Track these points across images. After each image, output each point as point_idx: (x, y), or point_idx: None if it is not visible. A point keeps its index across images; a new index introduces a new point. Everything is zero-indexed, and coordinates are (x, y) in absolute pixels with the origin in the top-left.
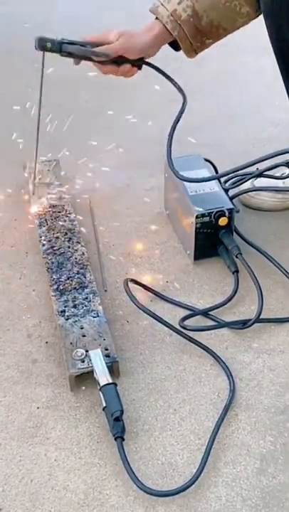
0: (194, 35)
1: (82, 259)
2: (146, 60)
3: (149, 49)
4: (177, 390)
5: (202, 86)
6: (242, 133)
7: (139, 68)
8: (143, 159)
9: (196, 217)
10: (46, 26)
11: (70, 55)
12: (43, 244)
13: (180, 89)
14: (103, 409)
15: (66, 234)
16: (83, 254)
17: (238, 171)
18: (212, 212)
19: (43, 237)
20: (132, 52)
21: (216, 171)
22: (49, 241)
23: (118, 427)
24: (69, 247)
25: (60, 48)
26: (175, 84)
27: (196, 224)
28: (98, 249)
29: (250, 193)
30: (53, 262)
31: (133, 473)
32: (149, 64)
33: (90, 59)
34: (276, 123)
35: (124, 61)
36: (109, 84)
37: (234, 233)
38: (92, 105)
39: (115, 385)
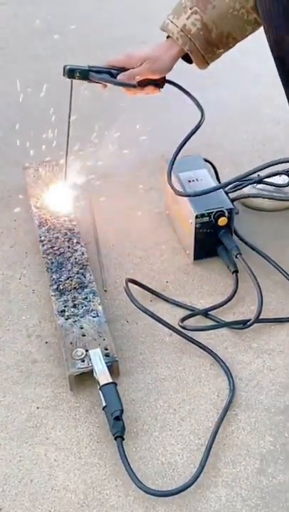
0: (205, 48)
1: (81, 259)
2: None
3: (170, 69)
4: (177, 389)
5: (202, 85)
6: (242, 132)
7: (162, 87)
8: (143, 159)
9: (196, 217)
10: (46, 26)
11: (97, 82)
12: (43, 245)
13: (199, 106)
14: (103, 409)
15: (66, 234)
16: (83, 254)
17: (241, 179)
18: (212, 212)
19: (42, 237)
20: (158, 75)
21: (216, 171)
22: (49, 241)
23: (118, 426)
24: (69, 247)
25: (87, 76)
26: (195, 100)
27: (196, 224)
28: (98, 249)
29: (249, 192)
30: (52, 262)
31: (133, 473)
32: (171, 82)
33: (115, 83)
34: (276, 122)
35: (148, 83)
36: (109, 85)
37: (233, 233)
38: (93, 105)
39: (115, 384)
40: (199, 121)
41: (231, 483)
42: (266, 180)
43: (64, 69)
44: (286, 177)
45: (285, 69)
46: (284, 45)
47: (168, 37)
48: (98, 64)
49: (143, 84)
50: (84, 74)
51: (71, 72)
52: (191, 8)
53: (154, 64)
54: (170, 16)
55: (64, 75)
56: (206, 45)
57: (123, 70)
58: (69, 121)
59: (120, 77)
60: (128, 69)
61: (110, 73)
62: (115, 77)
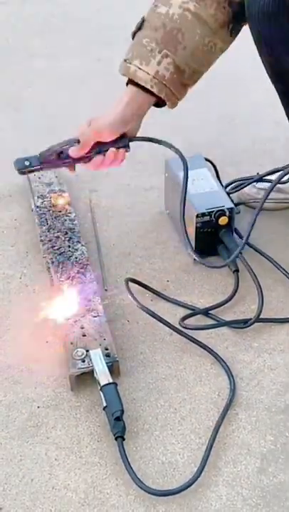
0: (179, 90)
1: (82, 258)
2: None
3: (126, 122)
4: (177, 389)
5: (202, 85)
6: (242, 132)
7: (127, 148)
8: (143, 159)
9: (197, 216)
10: (47, 25)
11: (51, 163)
12: (43, 244)
13: (181, 156)
14: (104, 409)
15: (66, 233)
16: (83, 253)
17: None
18: (212, 211)
19: (43, 237)
20: (105, 132)
21: (216, 171)
22: (49, 240)
23: (119, 426)
24: (69, 247)
25: (38, 159)
26: (175, 150)
27: (197, 223)
28: (98, 248)
29: (250, 192)
30: (53, 262)
31: (134, 473)
32: (135, 139)
33: (73, 160)
34: (277, 122)
35: (107, 147)
36: (109, 85)
37: (234, 233)
38: (93, 105)
39: (115, 384)
40: (185, 173)
41: (232, 482)
42: (266, 178)
43: (15, 165)
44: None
45: (284, 84)
46: (284, 66)
47: (131, 83)
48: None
49: (103, 150)
50: (36, 165)
51: (21, 166)
52: (160, 52)
53: (97, 121)
54: (135, 62)
55: (16, 170)
56: (180, 88)
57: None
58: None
59: (73, 152)
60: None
61: (63, 152)
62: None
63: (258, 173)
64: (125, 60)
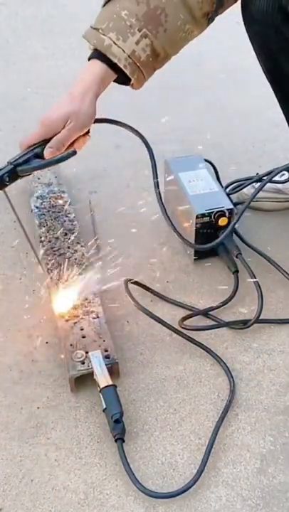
0: (149, 73)
1: (82, 259)
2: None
3: (95, 111)
4: (177, 390)
5: (201, 85)
6: (242, 133)
7: (88, 134)
8: (143, 159)
9: (196, 217)
10: (46, 26)
11: (30, 173)
12: (43, 245)
13: (141, 136)
14: (103, 411)
15: (66, 234)
16: (83, 254)
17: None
18: (212, 212)
19: (42, 238)
20: (87, 126)
21: (216, 172)
22: (49, 241)
23: (118, 428)
24: (69, 248)
25: (17, 174)
26: (135, 132)
27: (196, 224)
28: (98, 249)
29: (248, 193)
30: (53, 263)
31: (133, 475)
32: (99, 120)
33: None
34: (276, 123)
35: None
36: (108, 86)
37: (234, 233)
38: None
39: (115, 386)
40: (150, 154)
41: (232, 483)
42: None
43: None
44: (286, 173)
45: (283, 92)
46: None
47: (98, 58)
48: (16, 152)
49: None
50: (12, 174)
51: (1, 181)
52: (140, 30)
53: (79, 119)
54: (110, 34)
55: None
56: (151, 70)
57: (45, 142)
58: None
59: (48, 153)
60: (50, 138)
61: (37, 155)
62: (43, 157)
63: (257, 174)
64: (97, 29)
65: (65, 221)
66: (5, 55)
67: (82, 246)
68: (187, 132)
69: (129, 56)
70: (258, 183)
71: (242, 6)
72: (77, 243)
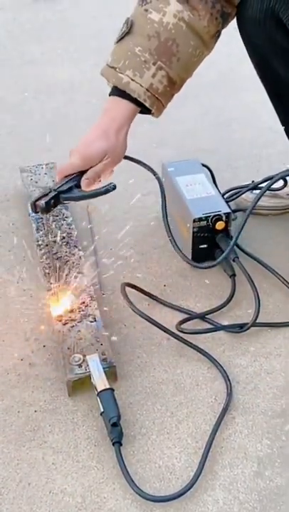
0: (168, 100)
1: (79, 263)
2: None
3: (126, 145)
4: (174, 393)
5: (199, 90)
6: (239, 138)
7: None
8: None
9: (194, 221)
10: (42, 33)
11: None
12: (41, 249)
13: (154, 172)
14: (101, 414)
15: (63, 238)
16: (80, 258)
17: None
18: (209, 216)
19: (40, 241)
20: (120, 162)
21: (213, 176)
22: (46, 245)
23: (115, 432)
24: (66, 251)
25: (59, 201)
26: (148, 167)
27: (194, 228)
28: (95, 253)
29: (246, 197)
30: (50, 266)
31: (131, 479)
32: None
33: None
34: (273, 128)
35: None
36: (106, 90)
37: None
38: (90, 109)
39: (112, 390)
40: (161, 187)
41: (229, 486)
42: (261, 186)
43: (35, 206)
44: (281, 181)
45: (277, 95)
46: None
47: (118, 94)
48: (54, 180)
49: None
50: (56, 200)
51: (47, 206)
52: (154, 64)
53: (115, 155)
54: (128, 72)
55: (35, 211)
56: (169, 98)
57: (81, 172)
58: None
59: (84, 184)
60: (86, 170)
61: (77, 185)
62: (79, 186)
63: (253, 181)
64: (114, 68)
65: (62, 225)
66: (2, 59)
67: (79, 250)
68: (184, 137)
69: (147, 90)
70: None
71: (236, 12)
72: (75, 247)
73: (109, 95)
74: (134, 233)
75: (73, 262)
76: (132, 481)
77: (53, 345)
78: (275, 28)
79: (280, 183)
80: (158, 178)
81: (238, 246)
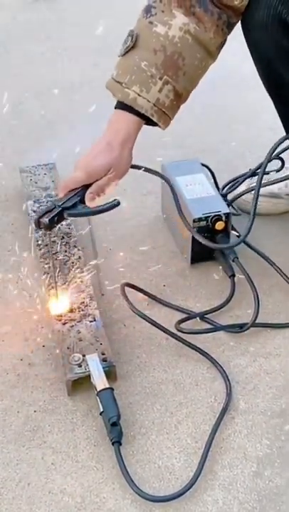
0: (174, 113)
1: (78, 263)
2: None
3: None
4: (174, 393)
5: (199, 90)
6: (239, 137)
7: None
8: (140, 163)
9: (193, 221)
10: (45, 31)
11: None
12: (40, 249)
13: (166, 180)
14: (100, 414)
15: (63, 238)
16: (80, 258)
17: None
18: (209, 216)
19: (39, 241)
20: (124, 175)
21: (213, 176)
22: (46, 245)
23: (115, 432)
24: (66, 251)
25: (63, 217)
26: (159, 175)
27: (193, 228)
28: (95, 253)
29: (246, 198)
30: (49, 266)
31: (130, 479)
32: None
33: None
34: (273, 128)
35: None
36: (106, 90)
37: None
38: (90, 109)
39: (112, 389)
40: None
41: (228, 486)
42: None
43: (38, 222)
44: (279, 161)
45: (281, 100)
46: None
47: (125, 109)
48: (56, 196)
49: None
50: (60, 217)
51: (51, 223)
52: (160, 78)
53: (119, 168)
54: (134, 88)
55: (39, 227)
56: (176, 110)
57: (83, 187)
58: None
59: (88, 198)
60: (90, 184)
61: (80, 200)
62: (83, 201)
63: (250, 169)
64: (121, 83)
65: (62, 225)
66: (2, 59)
67: (79, 249)
68: (184, 137)
69: (154, 105)
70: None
71: (242, 19)
72: (74, 246)
73: (115, 108)
74: (134, 233)
75: (73, 262)
76: (132, 481)
77: (52, 345)
78: (282, 33)
79: (279, 164)
80: (167, 181)
81: (245, 243)
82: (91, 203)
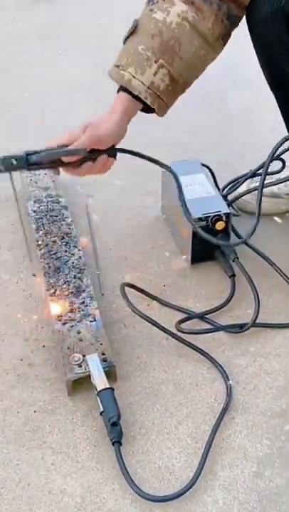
0: (171, 100)
1: (79, 263)
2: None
3: (121, 131)
4: (174, 393)
5: (199, 90)
6: (239, 137)
7: (115, 157)
8: (140, 163)
9: (194, 221)
10: (42, 32)
11: (38, 165)
12: (40, 249)
13: (168, 169)
14: (100, 414)
15: (63, 238)
16: (80, 258)
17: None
18: (209, 216)
19: (40, 242)
20: (104, 141)
21: (214, 176)
22: (46, 245)
23: (115, 431)
24: (66, 251)
25: (26, 160)
26: (162, 165)
27: (193, 228)
28: (95, 253)
29: (246, 198)
30: (50, 267)
31: (130, 479)
32: (125, 151)
33: (61, 164)
34: (274, 128)
35: (97, 154)
36: (106, 90)
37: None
38: (90, 109)
39: (112, 389)
40: (177, 183)
41: (228, 486)
42: (259, 172)
43: None
44: (279, 162)
45: (285, 97)
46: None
47: (123, 90)
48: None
49: (93, 157)
50: (23, 160)
51: (7, 163)
52: (156, 62)
53: (98, 128)
54: (129, 69)
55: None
56: (172, 97)
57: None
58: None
59: (66, 158)
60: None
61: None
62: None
63: (250, 170)
64: (118, 66)
65: (62, 225)
66: (2, 59)
67: (79, 250)
68: (184, 136)
69: (148, 88)
70: (254, 185)
71: (246, 12)
72: (74, 247)
73: (117, 92)
74: (134, 233)
75: (73, 262)
76: (132, 481)
77: (52, 346)
78: (286, 28)
79: (279, 165)
80: (171, 172)
81: (245, 243)
82: (79, 169)
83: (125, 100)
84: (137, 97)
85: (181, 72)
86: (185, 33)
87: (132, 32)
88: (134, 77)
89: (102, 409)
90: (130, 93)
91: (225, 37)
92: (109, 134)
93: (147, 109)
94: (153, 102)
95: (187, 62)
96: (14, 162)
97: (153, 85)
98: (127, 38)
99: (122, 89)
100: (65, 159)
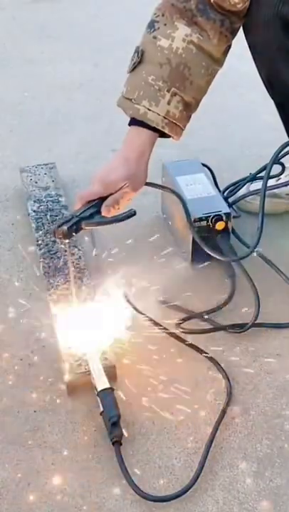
0: (186, 122)
1: (79, 263)
2: None
3: (146, 171)
4: (174, 393)
5: None
6: (239, 137)
7: None
8: None
9: (194, 221)
10: (42, 32)
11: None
12: (40, 248)
13: (180, 198)
14: (100, 414)
15: None
16: (80, 258)
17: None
18: (209, 216)
19: (40, 241)
20: (141, 186)
21: (213, 176)
22: (46, 245)
23: (115, 431)
24: (66, 251)
25: (81, 227)
26: (176, 194)
27: (194, 228)
28: (95, 252)
29: (246, 198)
30: (50, 266)
31: (131, 478)
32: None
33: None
34: (273, 127)
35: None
36: (106, 89)
37: (231, 237)
38: (90, 109)
39: (112, 389)
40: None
41: (228, 486)
42: (260, 175)
43: (56, 232)
44: (279, 166)
45: (282, 100)
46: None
47: (138, 124)
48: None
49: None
50: (78, 226)
51: (69, 232)
52: (168, 91)
53: (135, 182)
54: (144, 103)
55: (57, 237)
56: (187, 120)
57: (100, 200)
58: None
59: (105, 210)
60: (106, 196)
61: (97, 211)
62: (100, 212)
63: (250, 173)
64: (130, 100)
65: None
66: (2, 59)
67: (79, 249)
68: (184, 136)
69: (164, 117)
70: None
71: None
72: (75, 246)
73: (129, 125)
74: (134, 233)
75: (73, 262)
76: (132, 480)
77: (52, 346)
78: (283, 32)
79: (279, 169)
80: (181, 199)
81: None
82: (107, 214)
83: (146, 135)
84: (154, 128)
85: (193, 95)
86: (192, 56)
87: (139, 62)
88: (149, 109)
89: (102, 409)
90: (146, 125)
91: (228, 48)
92: (144, 181)
93: (163, 133)
94: (171, 131)
95: (198, 84)
96: (74, 230)
97: (168, 114)
98: (133, 68)
99: (137, 123)
100: (107, 215)
